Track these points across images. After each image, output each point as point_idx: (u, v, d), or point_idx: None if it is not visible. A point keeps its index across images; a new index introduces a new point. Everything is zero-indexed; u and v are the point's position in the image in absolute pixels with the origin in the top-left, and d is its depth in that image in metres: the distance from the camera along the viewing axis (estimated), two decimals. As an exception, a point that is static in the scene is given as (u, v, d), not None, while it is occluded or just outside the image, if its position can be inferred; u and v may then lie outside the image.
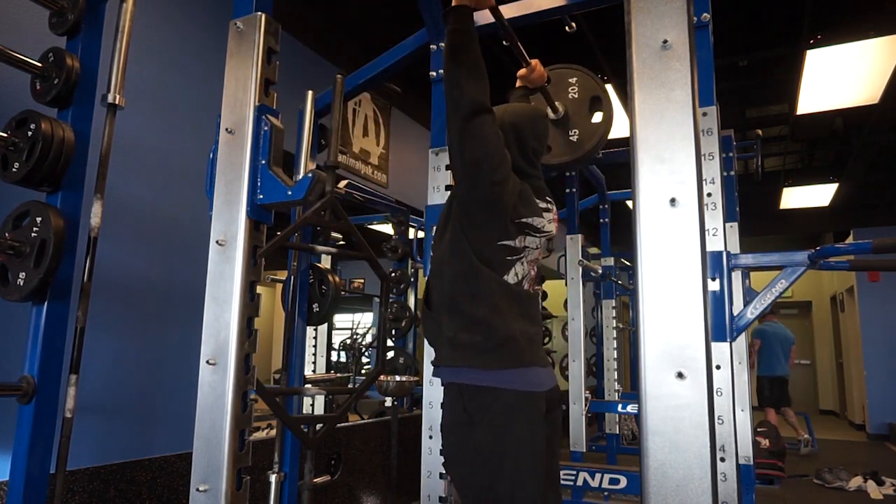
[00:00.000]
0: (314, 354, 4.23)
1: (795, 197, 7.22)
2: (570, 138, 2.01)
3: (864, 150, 5.77)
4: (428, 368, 1.89)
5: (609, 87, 4.28)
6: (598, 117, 2.01)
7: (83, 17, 1.52)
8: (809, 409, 8.84)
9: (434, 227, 1.94)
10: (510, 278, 1.35)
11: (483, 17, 1.78)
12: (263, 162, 1.19)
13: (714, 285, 1.46)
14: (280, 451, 1.90)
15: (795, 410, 6.37)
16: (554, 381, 1.39)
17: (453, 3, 1.34)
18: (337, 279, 2.08)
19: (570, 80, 2.03)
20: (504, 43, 1.94)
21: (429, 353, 1.90)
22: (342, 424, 2.97)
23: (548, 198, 1.51)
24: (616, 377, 4.53)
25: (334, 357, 6.21)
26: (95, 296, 1.53)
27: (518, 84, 1.81)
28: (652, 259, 0.73)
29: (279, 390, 1.93)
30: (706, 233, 1.11)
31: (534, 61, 1.78)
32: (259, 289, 1.18)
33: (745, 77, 4.47)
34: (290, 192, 1.16)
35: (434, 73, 2.05)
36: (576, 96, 2.02)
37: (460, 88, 1.26)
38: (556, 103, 1.98)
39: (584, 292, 3.47)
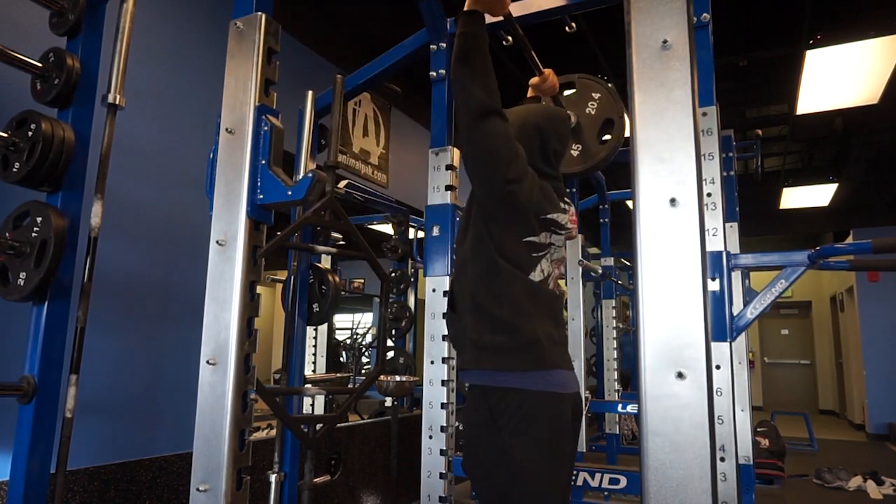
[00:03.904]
0: (314, 354, 4.23)
1: (795, 197, 7.22)
2: (573, 152, 1.96)
3: (864, 150, 5.78)
4: (428, 368, 1.90)
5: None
6: (607, 137, 1.93)
7: (83, 18, 1.52)
8: (809, 409, 8.83)
9: (434, 227, 1.96)
10: (535, 276, 1.34)
11: (491, 18, 1.77)
12: (263, 162, 1.19)
13: (714, 285, 1.46)
14: (280, 451, 1.90)
15: (795, 410, 6.36)
16: (577, 385, 1.37)
17: (465, 8, 1.34)
18: (337, 279, 2.08)
19: (593, 95, 1.95)
20: (503, 43, 1.93)
21: (429, 352, 1.90)
22: (342, 424, 2.97)
23: (566, 199, 1.50)
24: (616, 377, 4.53)
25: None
26: (95, 296, 1.53)
27: (530, 94, 1.79)
28: (652, 259, 0.73)
29: (279, 390, 1.93)
30: (706, 233, 1.11)
31: (547, 71, 1.75)
32: (259, 289, 1.18)
33: (745, 77, 4.47)
34: (290, 192, 1.16)
35: (434, 73, 2.05)
36: (592, 113, 1.95)
37: (468, 91, 1.26)
38: (570, 113, 1.92)
39: (584, 292, 3.47)
